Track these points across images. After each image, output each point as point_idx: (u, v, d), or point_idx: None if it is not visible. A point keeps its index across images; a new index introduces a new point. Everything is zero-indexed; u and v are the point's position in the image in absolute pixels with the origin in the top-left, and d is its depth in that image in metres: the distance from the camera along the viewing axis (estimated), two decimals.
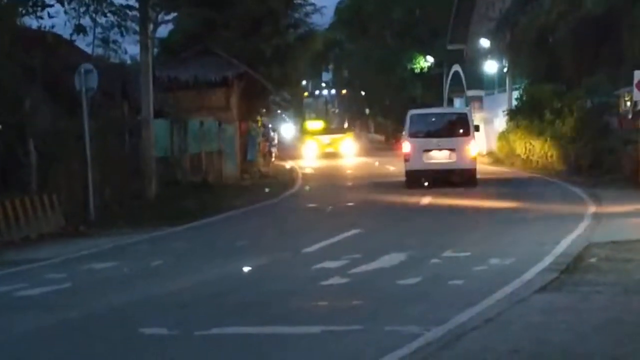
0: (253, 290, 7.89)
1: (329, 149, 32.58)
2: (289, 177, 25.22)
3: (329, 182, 22.88)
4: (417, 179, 17.92)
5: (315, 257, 9.66)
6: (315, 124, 34.91)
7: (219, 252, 10.48)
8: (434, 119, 19.46)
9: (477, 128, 20.05)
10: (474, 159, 18.16)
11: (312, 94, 39.52)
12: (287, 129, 43.34)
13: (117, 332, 6.07)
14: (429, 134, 18.54)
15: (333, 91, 40.08)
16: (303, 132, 35.67)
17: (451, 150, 17.83)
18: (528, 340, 5.46)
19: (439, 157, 17.96)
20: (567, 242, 9.92)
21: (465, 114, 19.66)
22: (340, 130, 34.40)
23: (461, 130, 18.18)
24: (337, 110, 37.63)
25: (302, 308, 6.82)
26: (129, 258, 10.27)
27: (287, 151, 37.04)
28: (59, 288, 8.22)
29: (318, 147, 32.76)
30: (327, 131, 33.96)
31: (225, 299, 7.32)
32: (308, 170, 27.48)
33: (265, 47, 22.68)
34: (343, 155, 32.33)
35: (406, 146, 18.44)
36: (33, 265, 9.87)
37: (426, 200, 16.13)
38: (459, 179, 17.76)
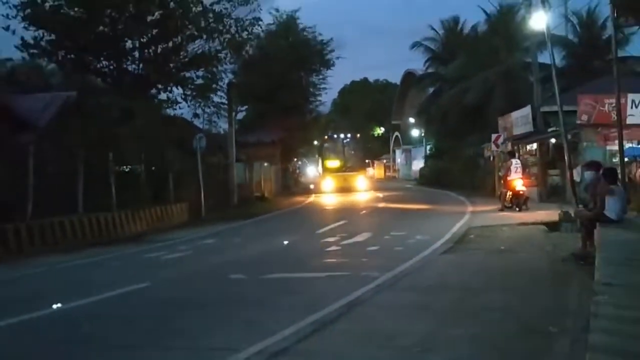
0: (289, 253, 12.14)
1: (344, 184, 33.79)
2: (310, 194, 33.12)
3: (335, 197, 31.05)
4: None
5: (322, 235, 14.47)
6: (333, 163, 37.19)
7: (271, 233, 15.66)
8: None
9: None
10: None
11: (331, 137, 43.11)
12: (311, 169, 51.15)
13: (216, 276, 9.70)
14: None
15: (349, 135, 43.46)
16: (323, 169, 37.71)
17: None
18: (437, 279, 8.55)
19: None
20: (457, 226, 14.76)
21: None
22: (353, 168, 36.39)
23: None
24: (353, 152, 41.48)
25: (316, 263, 10.47)
26: (222, 237, 15.47)
27: (309, 183, 41.95)
28: (185, 255, 12.59)
29: (335, 182, 34.08)
30: (342, 169, 35.92)
31: (274, 258, 11.38)
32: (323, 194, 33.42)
33: (294, 123, 34.97)
34: (355, 188, 33.71)
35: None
36: (171, 242, 14.71)
37: (382, 204, 23.84)
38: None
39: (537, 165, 23.65)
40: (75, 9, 20.52)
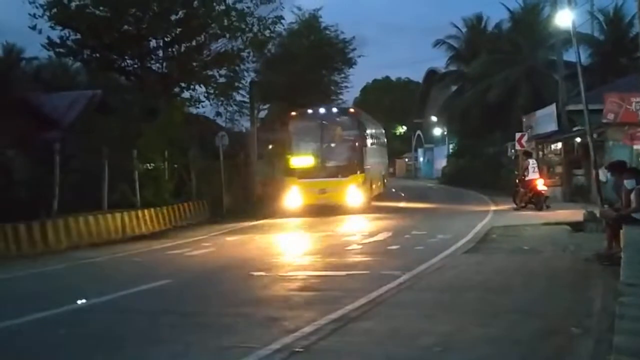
0: (309, 251, 12.23)
1: (320, 200, 20.26)
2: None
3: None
4: None
5: (343, 234, 14.73)
6: (302, 160, 20.74)
7: (292, 230, 16.12)
8: None
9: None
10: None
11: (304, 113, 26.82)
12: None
13: (238, 273, 9.83)
14: None
15: None
16: (285, 171, 21.35)
17: None
18: (458, 279, 8.47)
19: None
20: (479, 226, 14.66)
21: None
22: (341, 171, 20.32)
23: None
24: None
25: (336, 261, 10.59)
26: (242, 234, 15.63)
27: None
28: (208, 251, 12.74)
29: (303, 197, 20.23)
30: (319, 171, 20.37)
31: (295, 256, 11.57)
32: None
33: None
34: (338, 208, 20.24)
35: None
36: (194, 239, 14.88)
37: (403, 204, 24.02)
38: None
39: (561, 164, 23.34)
40: (101, 8, 20.79)
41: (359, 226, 16.78)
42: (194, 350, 5.61)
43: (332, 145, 21.28)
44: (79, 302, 7.84)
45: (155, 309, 7.45)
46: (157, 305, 7.74)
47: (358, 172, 20.57)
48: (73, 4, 20.36)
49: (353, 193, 20.37)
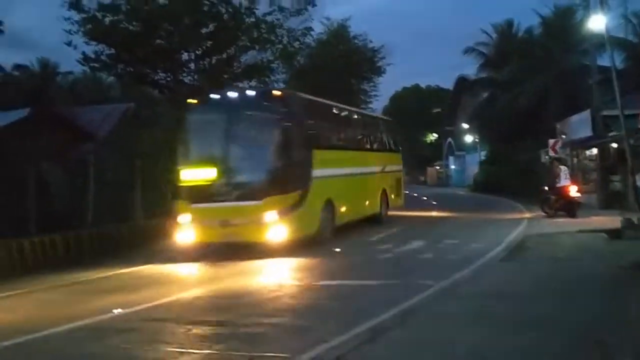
0: (341, 260, 12.09)
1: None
2: None
3: None
4: None
5: (375, 242, 14.45)
6: (199, 172, 13.35)
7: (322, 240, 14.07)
8: None
9: None
10: None
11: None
12: None
13: (270, 283, 10.42)
14: None
15: None
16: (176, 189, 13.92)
17: None
18: (492, 288, 8.34)
19: None
20: (514, 234, 14.43)
21: None
22: (263, 190, 12.76)
23: None
24: None
25: (369, 271, 10.63)
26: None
27: None
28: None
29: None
30: (220, 187, 13.08)
31: (325, 265, 11.38)
32: None
33: None
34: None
35: None
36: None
37: (434, 213, 23.04)
38: None
39: (596, 170, 22.88)
40: (134, 23, 21.21)
41: (391, 236, 16.06)
42: None
43: (243, 149, 13.33)
44: (115, 311, 7.94)
45: (190, 318, 7.47)
46: (191, 314, 7.77)
47: (288, 190, 12.85)
48: (107, 20, 20.82)
49: (276, 225, 12.48)
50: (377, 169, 18.82)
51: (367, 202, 17.68)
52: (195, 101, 14.21)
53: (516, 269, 10.02)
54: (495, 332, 6.12)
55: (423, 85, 78.26)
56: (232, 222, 12.63)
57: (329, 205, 14.40)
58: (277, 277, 10.83)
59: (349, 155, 16.62)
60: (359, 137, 18.57)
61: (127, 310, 8.02)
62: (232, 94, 14.03)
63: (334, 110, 17.02)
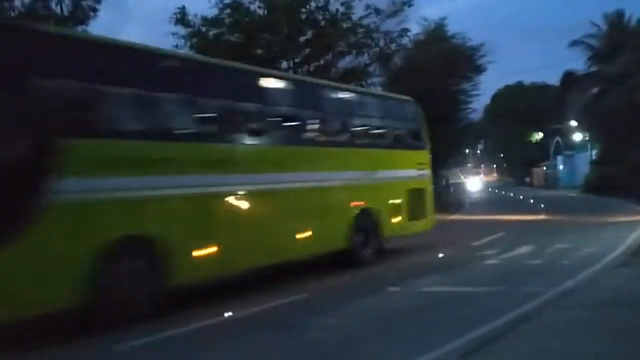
0: (444, 265, 11.85)
1: None
2: None
3: None
4: None
5: (479, 247, 13.86)
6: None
7: (425, 245, 14.06)
8: None
9: None
10: None
11: None
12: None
13: (373, 287, 9.64)
14: None
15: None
16: None
17: None
18: (609, 295, 7.95)
19: None
20: (632, 237, 13.52)
21: None
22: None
23: None
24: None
25: (473, 277, 10.38)
26: None
27: None
28: None
29: None
30: None
31: (429, 271, 11.11)
32: None
33: (444, 132, 31.83)
34: None
35: None
36: None
37: (543, 216, 22.09)
38: None
39: None
40: (235, 35, 22.04)
41: (497, 240, 15.64)
42: None
43: None
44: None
45: (293, 322, 7.53)
46: (294, 317, 7.85)
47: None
48: (211, 33, 21.81)
49: None
50: (337, 175, 11.37)
51: (290, 235, 10.10)
52: None
53: (635, 275, 9.47)
54: (612, 342, 5.77)
55: (527, 83, 75.29)
56: None
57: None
58: None
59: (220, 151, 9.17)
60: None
61: None
62: None
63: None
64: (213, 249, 8.57)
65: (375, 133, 12.99)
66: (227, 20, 21.81)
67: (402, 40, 24.58)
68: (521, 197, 32.65)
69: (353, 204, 11.66)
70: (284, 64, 23.14)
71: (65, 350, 6.54)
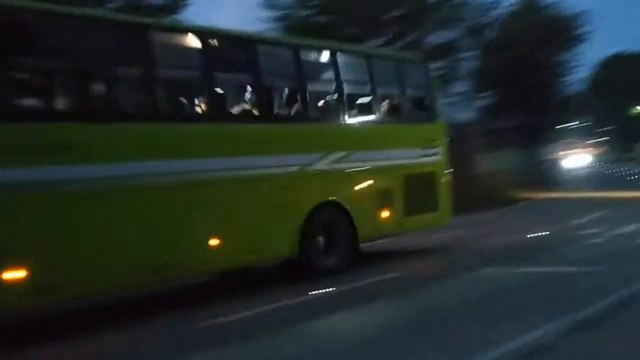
0: (541, 245, 11.43)
1: None
2: None
3: None
4: None
5: (580, 226, 13.41)
6: None
7: (522, 225, 14.00)
8: None
9: None
10: None
11: None
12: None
13: (466, 269, 9.57)
14: None
15: None
16: None
17: None
18: None
19: None
20: None
21: None
22: None
23: None
24: None
25: (575, 256, 10.00)
26: (470, 229, 14.08)
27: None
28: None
29: None
30: None
31: (526, 250, 10.85)
32: None
33: (539, 106, 31.57)
34: None
35: None
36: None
37: None
38: None
39: None
40: (322, 16, 22.30)
41: (600, 219, 14.73)
42: (431, 346, 5.77)
43: None
44: None
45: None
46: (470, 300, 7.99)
47: None
48: (301, 15, 22.23)
49: None
50: (273, 161, 8.81)
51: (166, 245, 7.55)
52: None
53: None
54: None
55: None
56: None
57: None
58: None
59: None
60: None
61: None
62: None
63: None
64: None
65: (351, 103, 10.11)
66: (316, 1, 22.09)
67: (494, 12, 23.89)
68: (624, 173, 30.80)
69: (306, 197, 9.14)
70: (373, 43, 23.18)
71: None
